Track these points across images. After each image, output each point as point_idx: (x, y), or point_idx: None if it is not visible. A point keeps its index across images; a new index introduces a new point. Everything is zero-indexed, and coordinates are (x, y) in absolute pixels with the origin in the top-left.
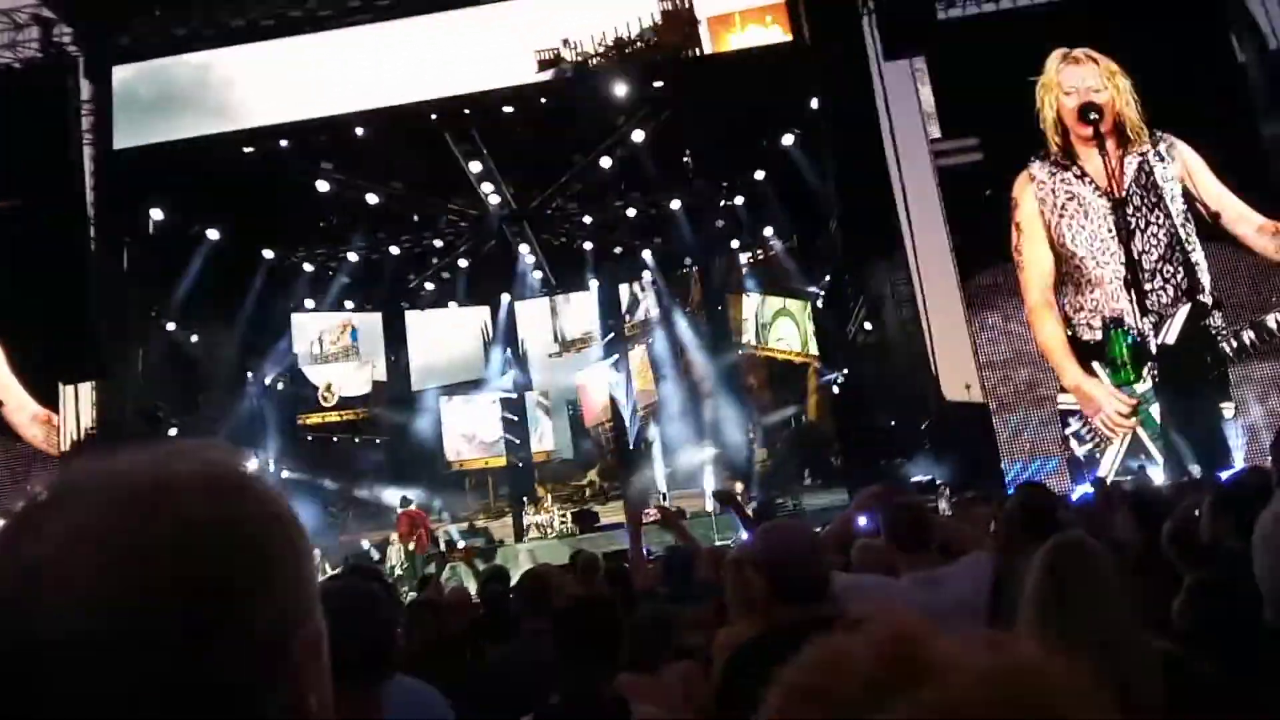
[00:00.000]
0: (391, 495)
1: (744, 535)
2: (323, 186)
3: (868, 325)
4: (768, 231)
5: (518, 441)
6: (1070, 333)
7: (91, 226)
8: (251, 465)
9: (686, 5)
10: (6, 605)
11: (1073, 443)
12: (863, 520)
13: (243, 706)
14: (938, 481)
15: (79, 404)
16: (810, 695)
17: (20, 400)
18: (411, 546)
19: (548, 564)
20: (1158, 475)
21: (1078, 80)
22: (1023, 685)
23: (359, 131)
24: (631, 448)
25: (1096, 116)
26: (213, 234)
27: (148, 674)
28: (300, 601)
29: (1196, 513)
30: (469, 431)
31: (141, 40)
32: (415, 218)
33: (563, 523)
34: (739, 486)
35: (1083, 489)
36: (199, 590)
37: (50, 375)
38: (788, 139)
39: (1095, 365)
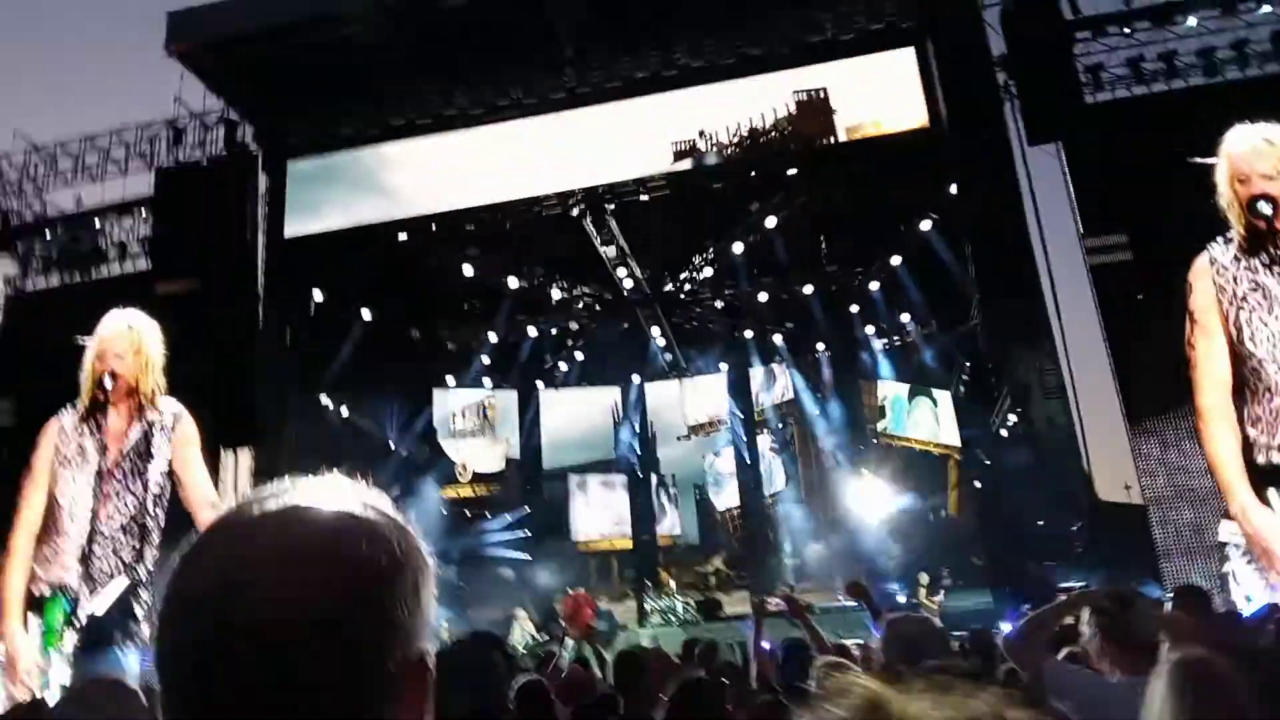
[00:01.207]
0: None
1: (876, 635)
2: (468, 271)
3: (1012, 417)
4: (904, 318)
5: (643, 524)
6: (1246, 450)
7: (260, 306)
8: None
9: (821, 95)
10: (224, 596)
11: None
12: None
13: (385, 701)
14: (1090, 588)
15: (238, 472)
16: None
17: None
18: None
19: (657, 648)
20: None
21: (1247, 166)
22: None
23: (504, 220)
24: (758, 536)
25: (1269, 211)
26: (366, 314)
27: (330, 664)
28: (429, 632)
29: None
30: (596, 512)
31: (313, 138)
32: (552, 300)
33: (687, 609)
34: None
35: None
36: (376, 592)
37: (214, 444)
38: (926, 225)
39: (1272, 493)
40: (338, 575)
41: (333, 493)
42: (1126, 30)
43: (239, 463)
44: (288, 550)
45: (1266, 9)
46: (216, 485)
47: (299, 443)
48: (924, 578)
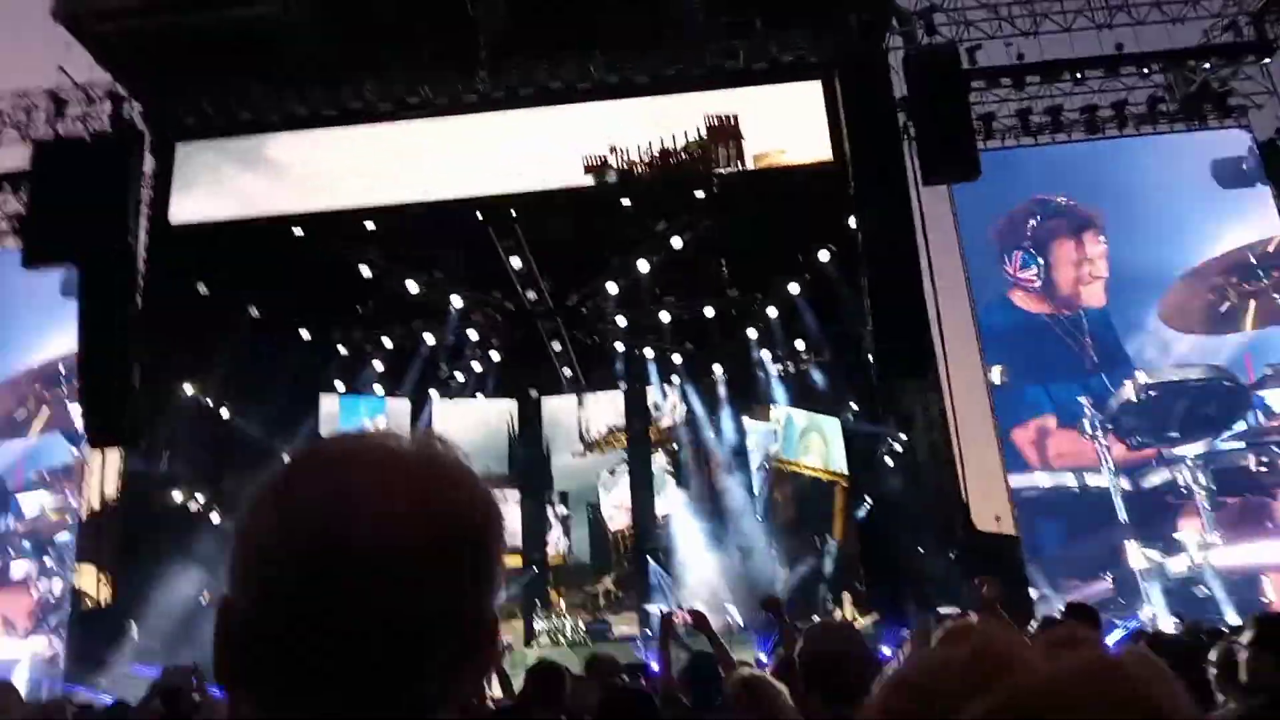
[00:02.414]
0: None
1: (763, 656)
2: (366, 272)
3: (898, 446)
4: (800, 344)
5: (534, 541)
6: None
7: (139, 296)
8: None
9: (732, 121)
10: (333, 520)
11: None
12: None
13: (465, 658)
14: (964, 615)
15: (105, 470)
16: (914, 691)
17: None
18: None
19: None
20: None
21: None
22: (1096, 680)
23: (405, 222)
24: (650, 556)
25: None
26: (254, 311)
27: (437, 591)
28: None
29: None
30: None
31: (207, 121)
32: (452, 308)
33: (574, 631)
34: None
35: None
36: (473, 539)
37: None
38: (824, 254)
39: None
40: (446, 514)
41: (430, 440)
42: (1016, 84)
43: (106, 464)
44: (397, 481)
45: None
46: (81, 487)
47: (174, 444)
48: (846, 598)
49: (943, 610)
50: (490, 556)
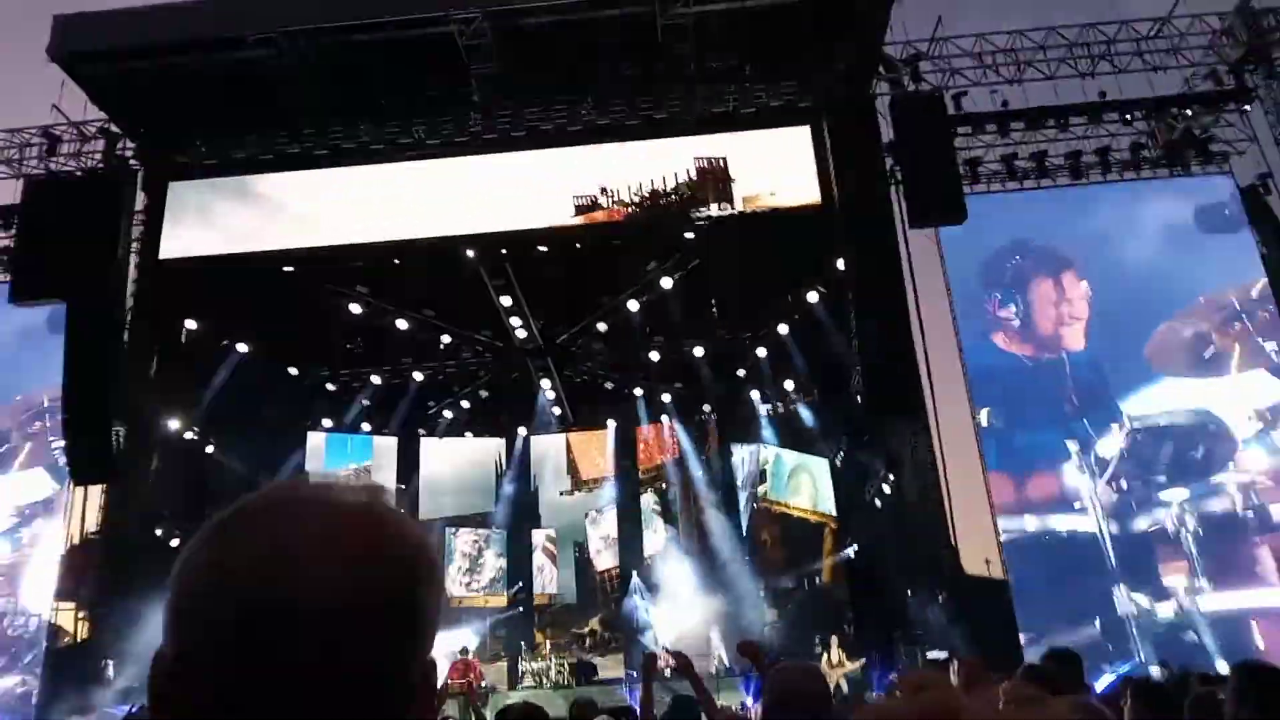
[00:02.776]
0: None
1: (748, 699)
2: (355, 309)
3: (886, 489)
4: (789, 385)
5: (519, 582)
6: None
7: (127, 332)
8: None
9: (721, 164)
10: (274, 576)
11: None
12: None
13: (403, 708)
14: (952, 658)
15: (86, 504)
16: None
17: None
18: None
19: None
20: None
21: None
22: None
23: (396, 260)
24: (636, 597)
25: None
26: (242, 348)
27: (372, 647)
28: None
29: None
30: (472, 567)
31: (200, 159)
32: (441, 345)
33: (559, 672)
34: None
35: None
36: (405, 589)
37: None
38: (813, 296)
39: None
40: (385, 565)
41: (367, 489)
42: (1003, 130)
43: (88, 499)
44: (336, 533)
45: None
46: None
47: (158, 480)
48: (835, 640)
49: (931, 655)
50: (423, 606)
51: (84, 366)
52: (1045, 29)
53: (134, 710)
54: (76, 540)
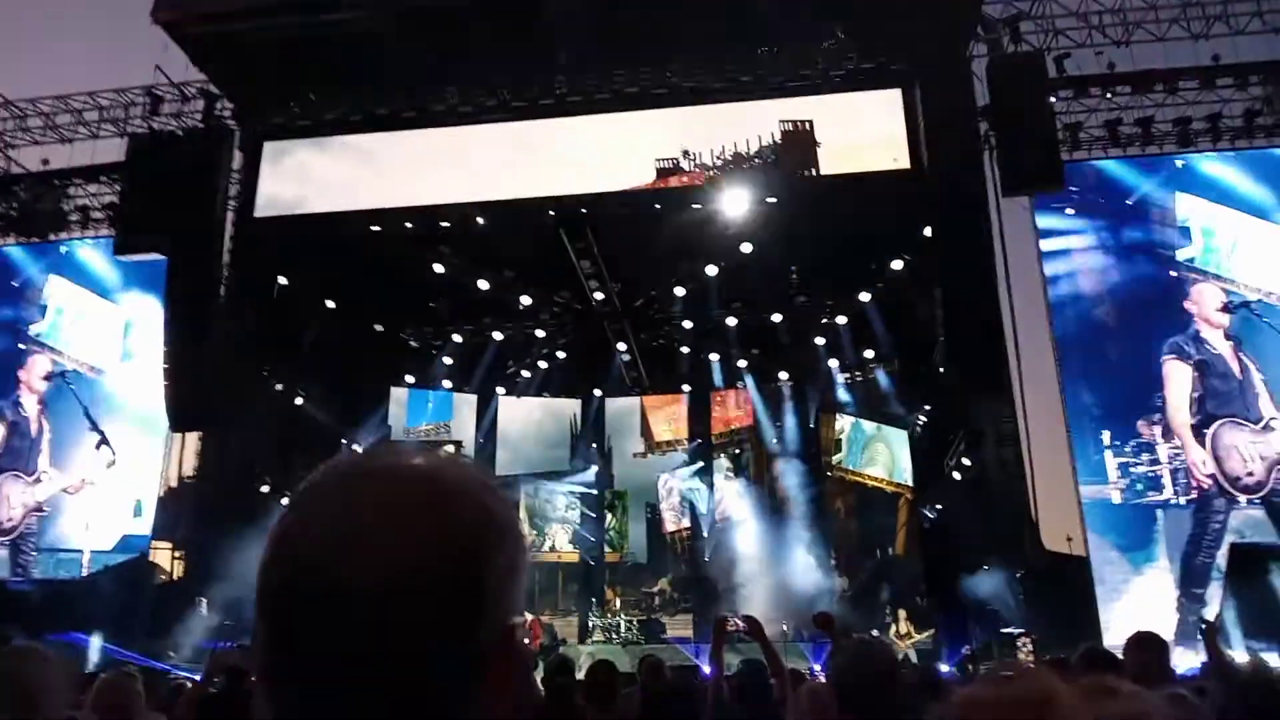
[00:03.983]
0: None
1: (817, 666)
2: (438, 269)
3: (966, 461)
4: (868, 354)
5: (592, 539)
6: None
7: (222, 286)
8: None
9: (806, 126)
10: (329, 554)
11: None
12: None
13: (473, 677)
14: (1026, 635)
15: (184, 451)
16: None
17: None
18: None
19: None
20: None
21: None
22: None
23: (479, 220)
24: (707, 559)
25: None
26: (330, 304)
27: (425, 623)
28: (519, 599)
29: None
30: (546, 523)
31: (293, 121)
32: (520, 306)
33: (628, 629)
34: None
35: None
36: (469, 562)
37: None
38: (897, 264)
39: None
40: (442, 538)
41: (440, 457)
42: (1108, 94)
43: (185, 446)
44: (394, 508)
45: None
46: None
47: (250, 429)
48: (902, 614)
49: (1005, 631)
50: (491, 574)
51: (183, 319)
52: None
53: (227, 646)
54: (174, 484)
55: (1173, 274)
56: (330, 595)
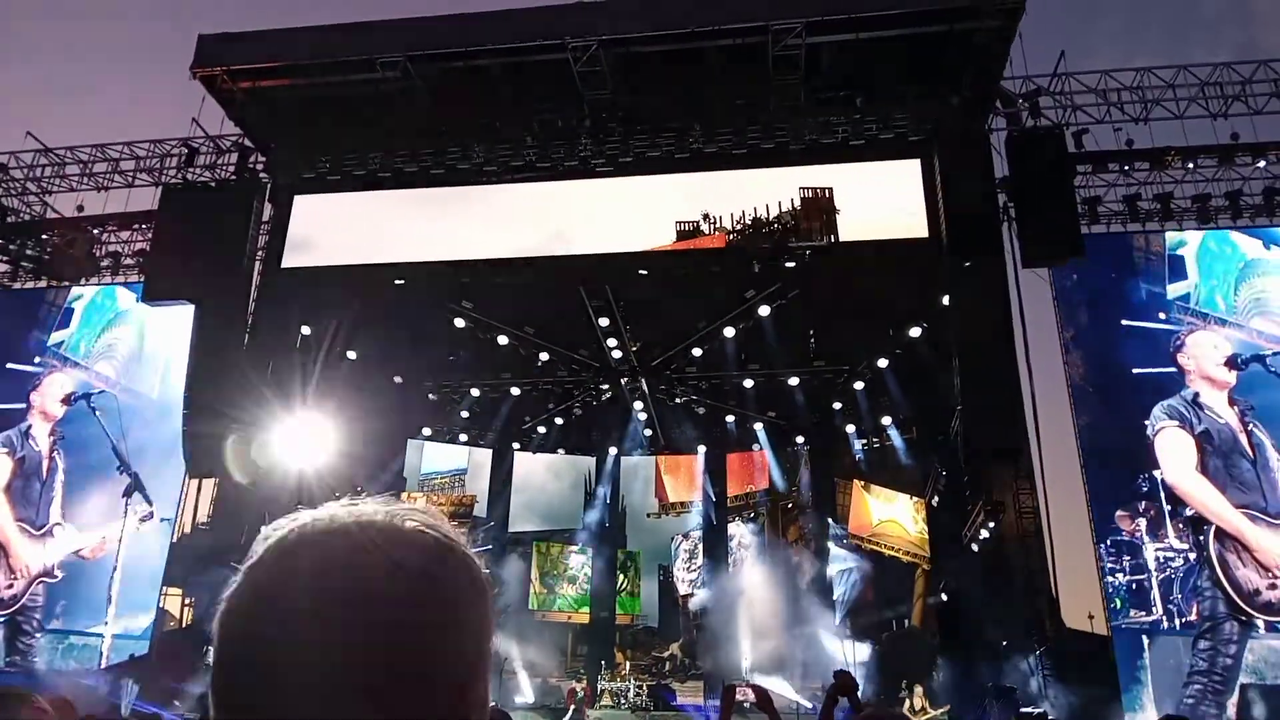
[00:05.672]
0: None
1: None
2: (459, 323)
3: (984, 533)
4: (886, 420)
5: (603, 600)
6: None
7: (246, 335)
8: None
9: (826, 194)
10: (268, 622)
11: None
12: None
13: None
14: (1038, 715)
15: (200, 496)
16: None
17: None
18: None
19: None
20: None
21: None
22: None
23: (499, 278)
24: (719, 625)
25: None
26: (352, 355)
27: (358, 692)
28: (483, 650)
29: None
30: (557, 582)
31: (324, 176)
32: (539, 363)
33: (637, 694)
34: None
35: None
36: (404, 627)
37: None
38: (915, 331)
39: None
40: (379, 608)
41: (408, 511)
42: (1125, 169)
43: (201, 492)
44: (331, 578)
45: (1261, 164)
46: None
47: (268, 476)
48: (919, 690)
49: (1025, 711)
50: (437, 647)
51: (207, 366)
52: (1176, 67)
53: None
54: (188, 530)
55: (1162, 317)
56: (263, 665)
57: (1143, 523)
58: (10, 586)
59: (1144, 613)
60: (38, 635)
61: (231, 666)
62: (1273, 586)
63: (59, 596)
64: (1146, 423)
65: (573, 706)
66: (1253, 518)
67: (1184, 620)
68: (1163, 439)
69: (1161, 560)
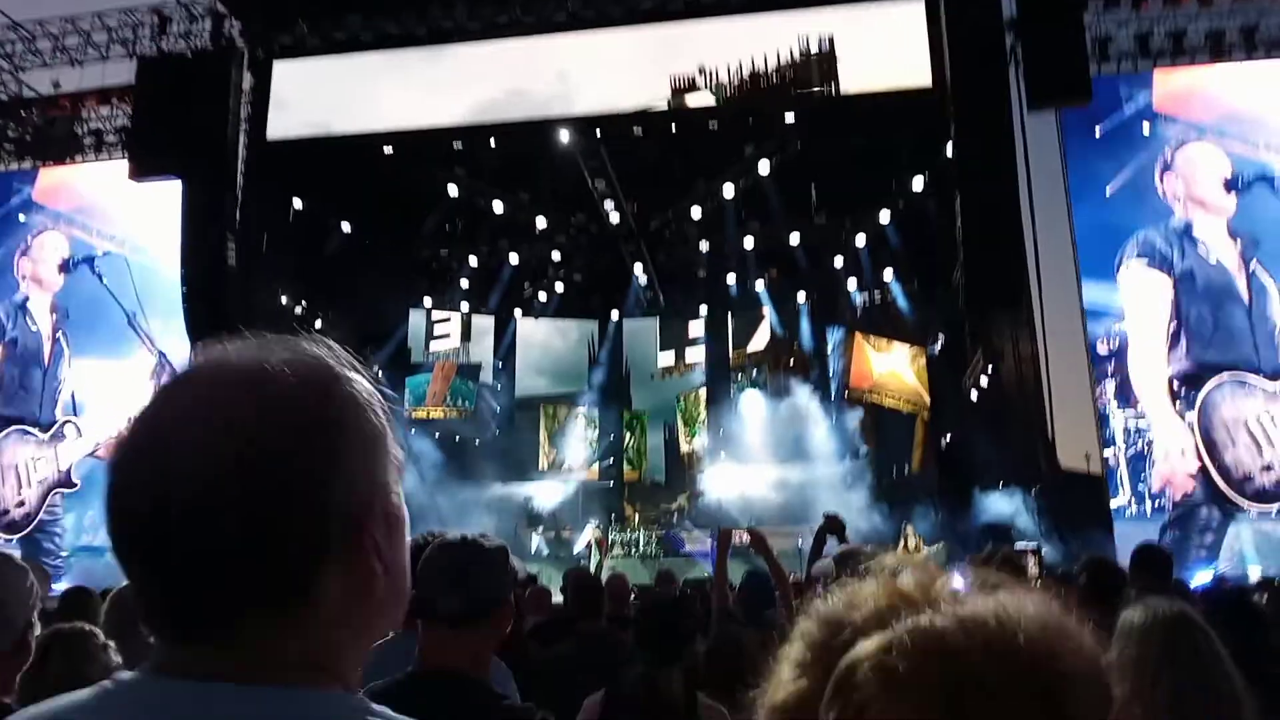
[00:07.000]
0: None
1: None
2: (453, 191)
3: (984, 380)
4: (887, 274)
5: (610, 458)
6: None
7: (238, 209)
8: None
9: (826, 43)
10: (148, 464)
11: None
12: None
13: (309, 567)
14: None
15: None
16: (825, 619)
17: None
18: None
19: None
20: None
21: None
22: (995, 630)
23: (492, 141)
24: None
25: None
26: (346, 227)
27: (238, 529)
28: (375, 480)
29: None
30: (565, 442)
31: (303, 41)
32: (537, 228)
33: (648, 543)
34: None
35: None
36: (277, 460)
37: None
38: (917, 183)
39: None
40: (252, 438)
41: (274, 348)
42: (1136, 5)
43: None
44: (204, 412)
45: None
46: None
47: None
48: (910, 529)
49: (1018, 545)
50: (309, 468)
51: (198, 242)
52: None
53: None
54: None
55: (1145, 124)
56: (143, 509)
57: (1110, 386)
58: (21, 504)
59: (1111, 495)
60: (64, 554)
61: (114, 492)
62: (1268, 467)
63: (84, 507)
64: (1124, 257)
65: (596, 552)
66: (1244, 384)
67: (1156, 505)
68: (1126, 278)
69: (1131, 431)
